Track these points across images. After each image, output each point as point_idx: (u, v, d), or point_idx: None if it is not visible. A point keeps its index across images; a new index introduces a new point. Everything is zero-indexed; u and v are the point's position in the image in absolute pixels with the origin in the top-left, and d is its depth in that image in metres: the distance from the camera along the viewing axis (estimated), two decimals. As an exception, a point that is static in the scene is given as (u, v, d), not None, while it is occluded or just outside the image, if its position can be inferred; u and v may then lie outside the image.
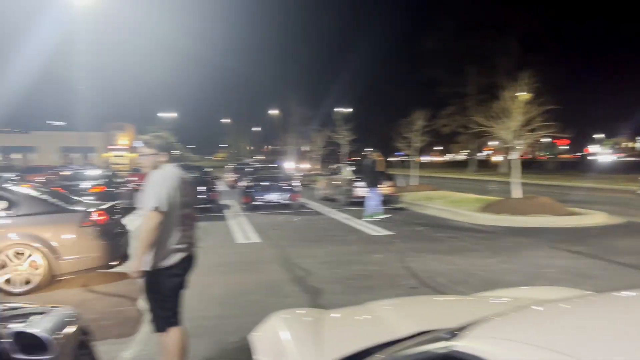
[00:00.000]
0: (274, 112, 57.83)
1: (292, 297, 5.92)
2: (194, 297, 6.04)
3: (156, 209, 3.25)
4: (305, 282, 6.65)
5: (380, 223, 11.97)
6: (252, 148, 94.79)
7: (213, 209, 15.36)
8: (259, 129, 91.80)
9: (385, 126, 60.80)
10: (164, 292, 3.41)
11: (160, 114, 77.09)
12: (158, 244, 3.32)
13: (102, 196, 13.14)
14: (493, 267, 7.35)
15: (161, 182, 3.36)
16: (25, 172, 23.24)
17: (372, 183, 12.93)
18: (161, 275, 3.36)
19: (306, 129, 45.29)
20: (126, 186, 16.18)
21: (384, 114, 63.02)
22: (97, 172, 15.11)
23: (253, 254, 8.73)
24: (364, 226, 11.64)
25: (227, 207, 16.69)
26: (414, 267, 7.41)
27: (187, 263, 3.52)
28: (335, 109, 40.41)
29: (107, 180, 13.80)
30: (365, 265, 7.63)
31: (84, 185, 13.22)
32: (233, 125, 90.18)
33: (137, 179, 24.56)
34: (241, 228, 11.73)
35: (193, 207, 3.70)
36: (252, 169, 18.20)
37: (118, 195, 14.36)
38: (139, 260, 3.32)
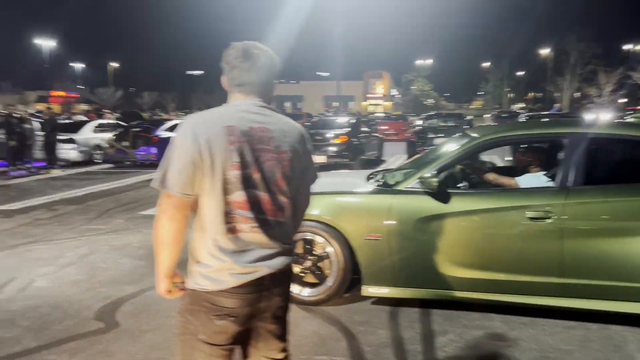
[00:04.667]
0: (544, 52, 50.03)
1: None
2: None
3: (164, 189, 1.58)
4: None
5: None
6: (512, 95, 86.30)
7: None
8: (522, 73, 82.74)
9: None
10: (201, 337, 1.66)
11: (417, 62, 76.08)
12: (192, 253, 1.66)
13: (345, 147, 11.71)
14: None
15: (175, 144, 1.59)
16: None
17: None
18: (202, 306, 1.64)
19: (587, 70, 37.38)
20: (375, 136, 14.57)
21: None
22: (345, 120, 13.65)
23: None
24: None
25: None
26: None
27: (257, 293, 1.65)
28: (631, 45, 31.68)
29: (350, 130, 12.08)
30: None
31: (329, 134, 11.83)
32: (493, 70, 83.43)
33: (387, 127, 23.19)
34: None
35: (293, 187, 1.73)
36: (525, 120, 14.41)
37: (364, 147, 12.82)
38: (160, 274, 1.67)
